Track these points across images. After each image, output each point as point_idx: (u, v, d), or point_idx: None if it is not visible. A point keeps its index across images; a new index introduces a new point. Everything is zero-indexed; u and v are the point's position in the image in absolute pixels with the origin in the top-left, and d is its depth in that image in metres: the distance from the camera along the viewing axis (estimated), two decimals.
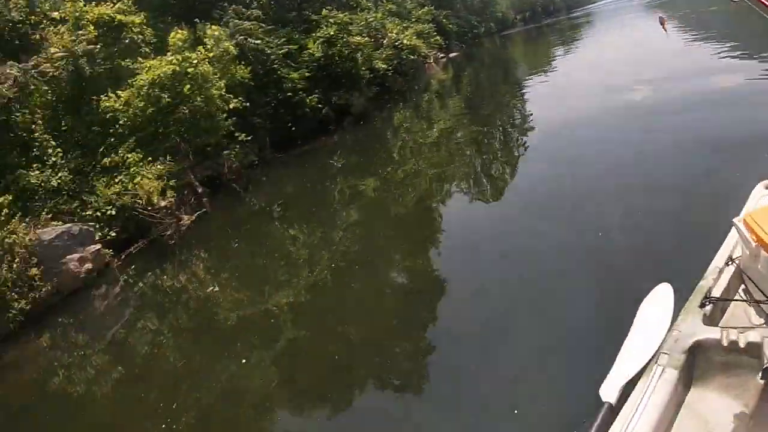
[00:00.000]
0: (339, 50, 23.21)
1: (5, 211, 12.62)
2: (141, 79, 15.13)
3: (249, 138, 18.20)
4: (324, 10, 25.21)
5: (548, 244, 9.17)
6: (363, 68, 25.05)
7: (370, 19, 31.84)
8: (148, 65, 15.46)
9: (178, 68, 14.93)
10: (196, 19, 20.20)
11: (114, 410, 8.31)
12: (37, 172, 14.26)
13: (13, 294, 11.49)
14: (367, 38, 26.98)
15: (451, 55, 64.02)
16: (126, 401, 8.39)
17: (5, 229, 12.22)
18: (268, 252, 12.79)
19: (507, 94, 28.83)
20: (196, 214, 14.49)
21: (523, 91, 27.49)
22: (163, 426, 7.05)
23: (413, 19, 50.60)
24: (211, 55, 16.66)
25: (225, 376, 8.17)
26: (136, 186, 13.51)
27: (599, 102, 18.49)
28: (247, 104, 17.45)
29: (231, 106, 16.40)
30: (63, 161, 14.93)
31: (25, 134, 15.01)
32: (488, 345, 6.95)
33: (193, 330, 10.08)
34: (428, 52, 45.84)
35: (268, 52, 21.31)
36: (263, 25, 22.24)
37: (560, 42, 54.75)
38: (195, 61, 15.20)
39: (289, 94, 21.36)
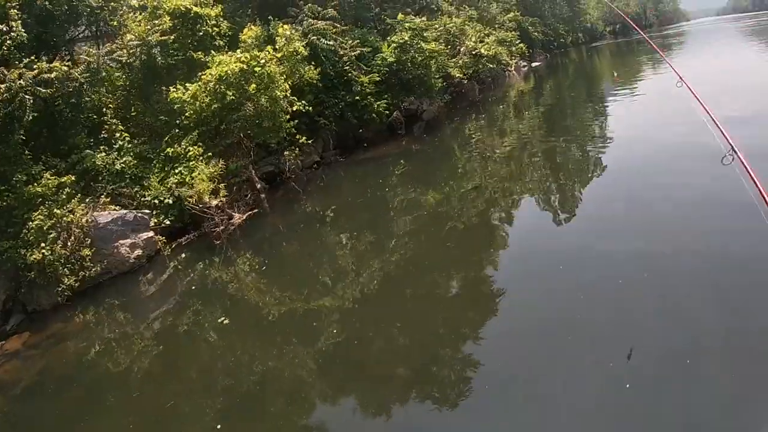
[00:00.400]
0: (412, 56, 22.77)
1: (67, 190, 12.96)
2: (209, 74, 15.15)
3: (312, 140, 18.16)
4: (401, 14, 24.61)
5: (611, 269, 8.95)
6: (436, 76, 24.45)
7: (449, 25, 31.20)
8: (218, 60, 15.47)
9: (245, 67, 14.90)
10: (270, 17, 20.14)
11: (145, 388, 8.59)
12: (103, 154, 14.63)
13: (64, 270, 11.93)
14: (442, 46, 26.36)
15: (534, 64, 62.54)
16: (157, 380, 8.81)
17: (65, 207, 12.60)
18: (317, 255, 12.68)
19: (589, 109, 28.01)
20: (247, 214, 14.49)
21: (606, 107, 26.78)
22: (188, 407, 7.59)
23: (497, 25, 49.58)
24: (279, 55, 16.52)
25: (258, 368, 8.39)
26: (193, 180, 13.51)
27: (683, 129, 17.12)
28: (310, 108, 17.22)
29: (294, 108, 16.19)
30: (129, 146, 15.20)
31: (95, 116, 15.29)
32: (536, 365, 6.92)
33: (232, 322, 10.07)
34: (509, 60, 44.79)
35: (341, 53, 21.13)
36: (338, 25, 22.04)
37: (649, 59, 52.84)
38: (263, 61, 15.06)
39: (357, 98, 21.06)
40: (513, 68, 52.14)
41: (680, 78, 8.65)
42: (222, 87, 14.81)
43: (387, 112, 22.32)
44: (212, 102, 14.89)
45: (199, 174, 13.81)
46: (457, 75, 29.64)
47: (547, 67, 65.71)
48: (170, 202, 14.00)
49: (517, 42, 48.17)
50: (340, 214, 15.24)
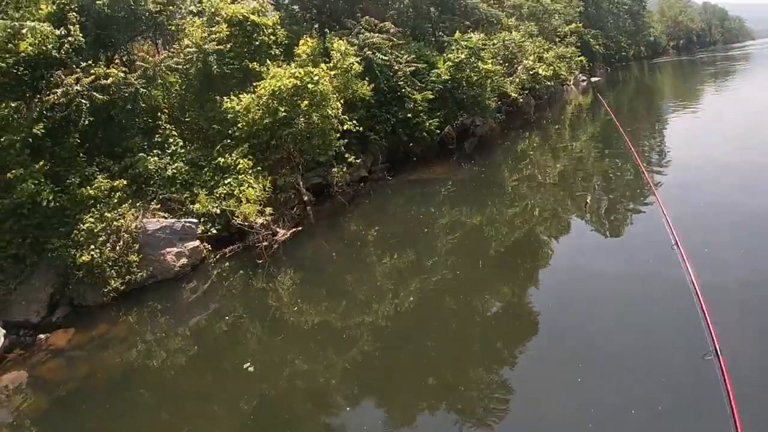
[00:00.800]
0: (468, 75, 22.57)
1: (118, 194, 13.26)
2: (263, 87, 15.21)
3: (362, 154, 18.18)
4: (458, 32, 24.36)
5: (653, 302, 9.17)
6: (491, 95, 24.21)
7: (508, 41, 30.77)
8: (273, 73, 15.52)
9: (299, 83, 14.89)
10: (326, 29, 20.18)
11: (180, 390, 9.13)
12: (156, 158, 14.89)
13: (112, 272, 12.33)
14: (499, 65, 26.00)
15: (594, 79, 61.15)
16: (192, 383, 9.28)
17: (116, 211, 12.94)
18: (357, 274, 12.88)
19: (647, 127, 27.77)
20: (291, 231, 14.60)
21: (665, 125, 27.07)
22: (219, 409, 8.10)
23: (557, 38, 48.80)
24: (332, 73, 16.51)
25: (288, 377, 8.81)
26: (241, 194, 13.65)
27: (746, 155, 17.73)
28: (360, 128, 17.21)
29: (345, 127, 16.16)
30: (182, 151, 15.43)
31: (150, 120, 15.56)
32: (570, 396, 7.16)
33: (268, 333, 10.59)
34: (568, 75, 44.03)
35: (396, 68, 21.02)
36: (394, 39, 21.94)
37: (712, 79, 51.55)
38: (317, 78, 15.05)
39: (409, 115, 20.96)
40: (572, 82, 51.31)
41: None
42: (274, 102, 14.86)
43: (438, 131, 22.13)
44: (264, 116, 14.94)
45: (247, 190, 13.90)
46: (513, 94, 29.22)
47: (607, 81, 64.74)
48: (218, 211, 14.12)
49: (576, 56, 47.27)
50: (383, 234, 15.25)
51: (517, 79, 30.34)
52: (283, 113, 14.91)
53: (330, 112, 15.29)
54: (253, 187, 14.01)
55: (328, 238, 15.20)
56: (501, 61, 29.63)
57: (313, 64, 16.99)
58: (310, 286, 12.32)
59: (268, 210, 14.13)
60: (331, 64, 17.25)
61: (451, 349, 8.98)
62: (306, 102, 14.99)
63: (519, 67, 30.24)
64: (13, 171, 12.16)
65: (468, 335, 9.43)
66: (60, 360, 10.56)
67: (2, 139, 12.33)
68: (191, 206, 14.25)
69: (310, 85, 14.95)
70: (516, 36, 32.71)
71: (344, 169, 16.99)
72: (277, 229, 14.16)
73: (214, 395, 8.69)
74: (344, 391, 8.31)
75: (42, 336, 11.43)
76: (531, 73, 30.70)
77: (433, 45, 25.36)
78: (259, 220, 13.59)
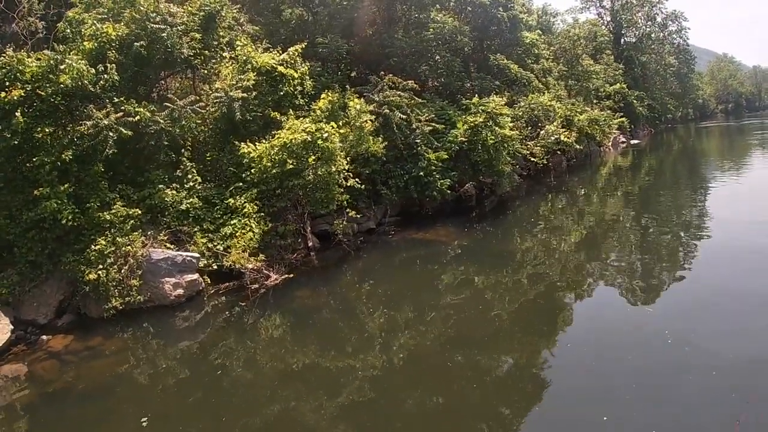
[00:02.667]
0: (483, 139, 23.41)
1: (132, 222, 14.68)
2: (278, 137, 16.57)
3: (370, 208, 19.41)
4: (476, 96, 25.54)
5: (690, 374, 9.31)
6: (507, 160, 25.11)
7: (534, 104, 31.77)
8: (289, 124, 16.88)
9: (309, 139, 16.18)
10: (347, 86, 21.56)
11: (164, 407, 10.13)
12: (174, 192, 16.28)
13: (114, 292, 13.64)
14: (516, 131, 26.98)
15: (634, 141, 61.30)
16: (174, 402, 10.30)
17: (127, 237, 14.30)
18: (345, 322, 13.67)
19: (687, 193, 28.45)
20: (283, 277, 15.78)
21: (707, 192, 27.39)
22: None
23: (597, 98, 49.57)
24: (343, 131, 17.80)
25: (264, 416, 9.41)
26: (236, 240, 14.97)
27: None
28: (362, 186, 18.32)
29: (349, 183, 17.43)
30: (199, 187, 16.87)
31: (173, 155, 17.03)
32: None
33: (250, 369, 11.46)
34: (603, 138, 44.70)
35: (414, 126, 22.22)
36: (416, 98, 23.22)
37: (759, 145, 51.44)
38: (326, 134, 16.33)
39: (421, 173, 21.95)
40: (611, 143, 51.87)
41: None
42: (284, 154, 16.20)
43: (449, 190, 23.06)
44: (273, 166, 16.29)
45: (246, 234, 15.19)
46: (533, 159, 30.21)
47: (650, 142, 64.40)
48: (220, 248, 15.44)
49: (612, 119, 47.88)
50: (377, 288, 16.07)
51: (542, 142, 31.25)
52: (291, 165, 16.21)
53: (334, 168, 16.50)
54: (253, 232, 15.29)
55: (322, 286, 16.11)
56: (524, 125, 30.66)
57: (332, 119, 18.39)
58: (292, 331, 13.26)
59: (261, 256, 15.36)
60: (343, 122, 18.50)
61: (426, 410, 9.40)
62: (313, 157, 16.28)
63: (542, 132, 31.18)
64: (41, 189, 13.66)
65: (446, 397, 9.84)
66: (54, 361, 11.97)
67: (35, 159, 13.86)
68: (199, 240, 15.60)
69: (319, 141, 16.25)
70: (545, 98, 33.68)
71: (344, 222, 18.13)
72: (270, 274, 15.39)
73: (176, 417, 9.74)
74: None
75: (45, 337, 12.96)
76: (554, 138, 31.45)
77: (457, 104, 26.45)
78: (249, 265, 14.82)
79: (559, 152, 35.30)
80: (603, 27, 70.73)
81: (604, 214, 24.47)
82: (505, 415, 9.18)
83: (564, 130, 33.51)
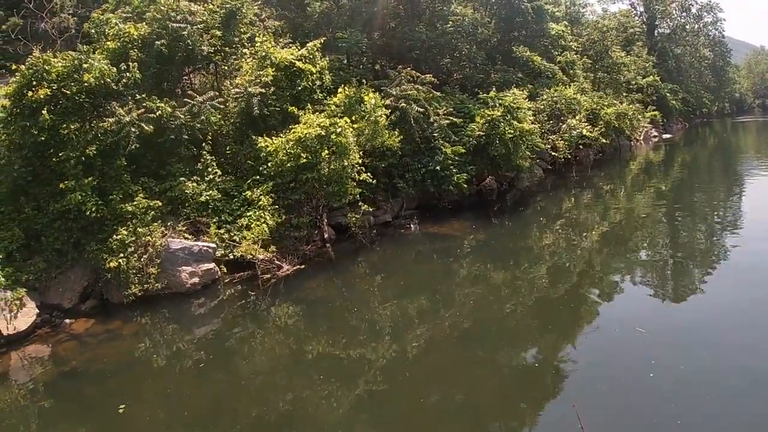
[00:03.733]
0: (501, 133, 23.52)
1: (152, 213, 15.45)
2: (294, 131, 17.14)
3: (388, 201, 19.90)
4: (492, 91, 25.73)
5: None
6: (526, 154, 25.21)
7: (556, 97, 31.79)
8: (305, 119, 17.42)
9: (323, 133, 16.70)
10: (364, 80, 21.99)
11: (160, 388, 10.89)
12: (195, 184, 17.04)
13: (134, 279, 14.46)
14: (538, 124, 27.12)
15: (666, 135, 60.34)
16: (174, 384, 11.05)
17: (148, 228, 15.10)
18: (359, 313, 14.13)
19: (721, 189, 28.31)
20: (295, 267, 16.40)
21: (743, 191, 27.26)
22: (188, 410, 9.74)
23: (627, 91, 49.01)
24: (356, 126, 18.26)
25: (274, 405, 9.97)
26: (251, 232, 15.60)
27: None
28: (374, 181, 18.79)
29: (361, 177, 17.91)
30: (219, 180, 17.56)
31: (194, 148, 17.73)
32: None
33: (259, 354, 12.23)
34: (632, 132, 44.25)
35: (432, 120, 22.55)
36: (434, 92, 23.55)
37: None
38: (339, 129, 16.83)
39: (438, 167, 22.25)
40: (641, 138, 51.34)
41: None
42: (298, 149, 16.75)
43: (467, 185, 23.37)
44: (288, 160, 16.87)
45: (260, 226, 15.85)
46: (554, 153, 30.24)
47: (684, 137, 63.38)
48: (236, 239, 16.10)
49: (641, 113, 47.27)
50: (389, 281, 16.52)
51: (565, 136, 31.25)
52: (304, 160, 16.77)
53: (347, 162, 17.01)
54: (267, 223, 15.90)
55: (333, 277, 16.64)
56: (546, 118, 30.74)
57: (349, 113, 18.89)
58: (300, 319, 13.90)
59: (272, 248, 16.01)
60: (360, 116, 18.97)
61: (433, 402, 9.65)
62: (326, 151, 16.81)
63: (564, 126, 31.18)
64: (66, 182, 14.51)
65: (452, 388, 10.09)
66: (75, 343, 12.85)
67: (61, 154, 14.72)
68: (217, 231, 16.29)
69: (333, 136, 16.77)
70: (569, 91, 33.60)
71: (358, 215, 18.66)
72: (282, 264, 16.04)
73: (188, 397, 10.50)
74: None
75: (68, 320, 13.84)
76: (575, 132, 31.48)
77: (477, 98, 26.64)
78: (260, 255, 15.44)
79: (582, 146, 35.17)
80: (636, 18, 69.83)
81: (631, 210, 24.37)
82: (517, 408, 9.53)
83: (587, 124, 33.22)
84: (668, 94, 62.38)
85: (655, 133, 57.09)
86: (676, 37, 73.51)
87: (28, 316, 13.24)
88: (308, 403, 9.86)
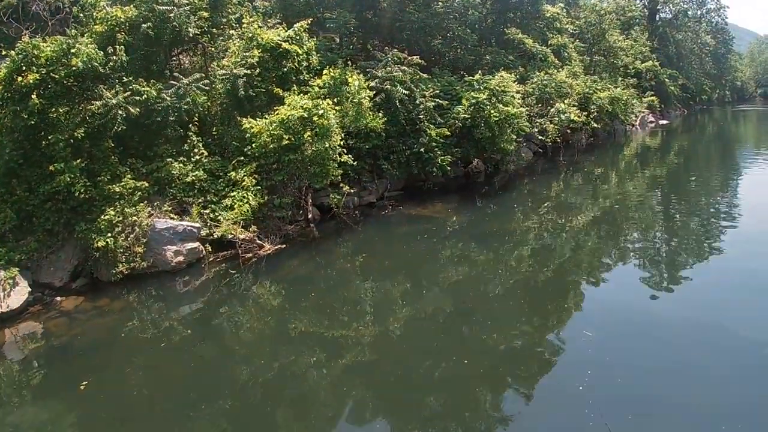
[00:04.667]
0: (486, 116, 23.95)
1: (139, 194, 16.10)
2: (278, 113, 17.66)
3: (373, 181, 20.53)
4: (478, 74, 26.17)
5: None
6: (512, 137, 25.64)
7: (545, 81, 32.24)
8: (289, 101, 17.96)
9: (306, 115, 17.23)
10: (350, 62, 22.45)
11: (158, 362, 11.51)
12: (181, 165, 17.62)
13: (121, 258, 15.15)
14: (526, 107, 27.57)
15: (663, 122, 60.58)
16: (158, 358, 11.67)
17: (135, 208, 15.78)
18: (336, 290, 14.97)
19: (717, 176, 28.67)
20: (276, 247, 17.11)
21: (740, 178, 27.68)
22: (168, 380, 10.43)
23: (622, 75, 49.20)
24: (337, 108, 18.76)
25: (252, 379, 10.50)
26: (231, 213, 16.30)
27: None
28: (354, 162, 19.37)
29: (343, 159, 18.44)
30: (205, 161, 18.14)
31: (181, 130, 18.28)
32: None
33: (239, 328, 13.03)
34: (625, 117, 44.52)
35: (418, 101, 23.02)
36: (421, 74, 24.00)
37: None
38: (321, 111, 17.37)
39: (422, 150, 22.78)
40: (637, 123, 51.66)
41: None
42: (281, 131, 17.30)
43: (450, 167, 23.85)
44: (271, 142, 17.42)
45: (242, 207, 16.50)
46: (541, 137, 30.64)
47: (682, 123, 63.69)
48: (219, 218, 16.71)
49: (635, 98, 47.48)
50: (369, 260, 17.22)
51: (555, 120, 31.65)
52: (287, 141, 17.32)
53: (328, 144, 17.55)
54: (250, 204, 16.51)
55: (315, 256, 17.35)
56: (535, 101, 31.19)
57: (334, 95, 19.40)
58: (279, 296, 14.68)
59: (253, 227, 16.68)
60: (345, 97, 19.46)
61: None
62: (308, 133, 17.34)
63: (552, 110, 31.60)
64: (56, 164, 15.07)
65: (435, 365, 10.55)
66: (65, 319, 13.54)
67: (50, 137, 15.30)
68: (202, 210, 16.91)
69: (315, 118, 17.30)
70: (560, 75, 33.97)
71: (340, 196, 19.34)
72: (264, 244, 16.74)
73: (171, 367, 11.27)
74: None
75: (59, 298, 14.49)
76: (563, 116, 31.94)
77: (463, 80, 26.97)
78: (241, 235, 16.10)
79: (572, 131, 35.58)
80: (637, 1, 69.88)
81: (619, 195, 24.67)
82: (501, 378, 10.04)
83: (576, 108, 33.57)
84: (667, 80, 62.58)
85: (652, 119, 57.40)
86: (677, 22, 73.38)
87: (20, 294, 13.86)
88: (292, 375, 10.49)
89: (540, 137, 31.58)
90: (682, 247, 17.02)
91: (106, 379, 10.78)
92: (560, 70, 35.80)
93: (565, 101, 32.89)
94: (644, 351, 10.36)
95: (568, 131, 35.41)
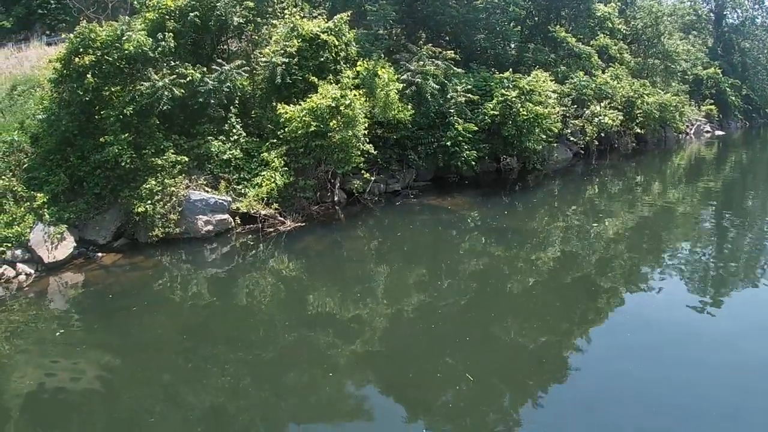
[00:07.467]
0: (515, 114, 24.82)
1: (179, 167, 18.04)
2: (309, 101, 19.33)
3: (402, 170, 22.27)
4: (508, 72, 27.07)
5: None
6: (539, 137, 26.21)
7: (584, 82, 32.75)
8: (322, 90, 19.62)
9: (334, 104, 18.86)
10: (382, 54, 23.91)
11: (179, 311, 13.60)
12: (220, 143, 19.54)
13: (158, 223, 17.24)
14: (558, 109, 28.25)
15: (719, 132, 57.76)
16: (182, 314, 13.46)
17: (174, 180, 17.84)
18: (345, 266, 16.91)
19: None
20: (297, 224, 19.02)
21: None
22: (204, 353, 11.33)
23: (673, 83, 48.49)
24: (366, 99, 20.27)
25: (267, 349, 11.64)
26: (260, 189, 18.14)
27: None
28: (375, 152, 20.93)
29: (365, 148, 20.04)
30: (243, 140, 20.00)
31: (222, 111, 20.13)
32: None
33: (260, 301, 14.48)
34: (676, 123, 43.97)
35: (449, 96, 24.35)
36: (455, 68, 25.29)
37: None
38: (349, 101, 18.93)
39: (449, 143, 24.15)
40: (692, 132, 51.02)
41: None
42: (309, 118, 18.96)
43: (475, 163, 24.78)
44: (300, 128, 19.11)
45: (265, 186, 18.39)
46: (572, 139, 31.29)
47: (742, 136, 61.12)
48: (245, 194, 18.58)
49: (685, 105, 46.70)
50: (384, 243, 18.98)
51: (595, 121, 32.10)
52: (314, 128, 18.97)
53: (351, 132, 19.12)
54: (276, 183, 18.32)
55: (332, 234, 19.13)
56: (571, 102, 31.81)
57: (366, 86, 21.00)
58: (294, 267, 16.54)
59: (275, 205, 18.62)
60: (373, 89, 21.00)
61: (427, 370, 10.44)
62: (334, 121, 18.94)
63: (587, 111, 32.18)
64: (106, 137, 17.21)
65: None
66: (102, 272, 15.73)
67: (102, 113, 17.49)
68: (235, 186, 18.75)
69: (342, 107, 18.87)
70: (603, 77, 34.50)
71: (362, 182, 21.18)
72: (285, 220, 18.72)
73: (186, 318, 13.19)
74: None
75: (100, 254, 16.77)
76: (597, 119, 32.29)
77: (493, 77, 27.61)
78: (263, 211, 18.03)
79: (617, 134, 35.65)
80: (704, 5, 68.67)
81: (662, 206, 23.71)
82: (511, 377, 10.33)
83: (614, 111, 33.47)
84: (728, 89, 60.40)
85: (709, 129, 56.08)
86: (744, 29, 71.06)
87: (66, 248, 16.12)
88: (305, 343, 11.66)
89: (571, 138, 32.12)
90: (729, 266, 15.89)
91: (132, 318, 12.83)
92: (605, 71, 36.16)
93: (602, 104, 33.15)
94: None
95: (615, 135, 35.67)
